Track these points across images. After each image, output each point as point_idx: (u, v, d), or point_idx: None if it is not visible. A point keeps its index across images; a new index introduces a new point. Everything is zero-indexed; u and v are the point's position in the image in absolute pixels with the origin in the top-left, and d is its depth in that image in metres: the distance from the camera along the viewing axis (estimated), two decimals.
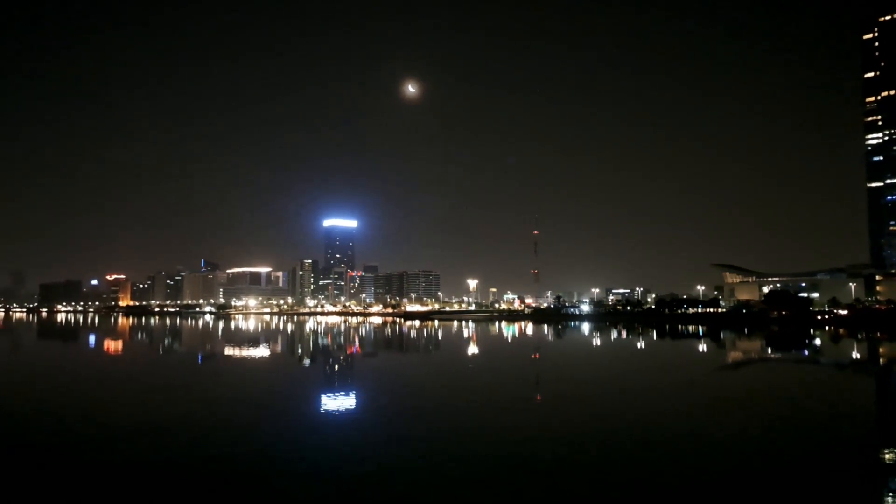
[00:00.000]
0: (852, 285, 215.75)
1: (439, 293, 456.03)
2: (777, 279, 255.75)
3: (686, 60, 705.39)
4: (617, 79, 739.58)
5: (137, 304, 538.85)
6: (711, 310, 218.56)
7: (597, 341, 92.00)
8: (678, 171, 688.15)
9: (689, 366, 56.25)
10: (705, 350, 75.99)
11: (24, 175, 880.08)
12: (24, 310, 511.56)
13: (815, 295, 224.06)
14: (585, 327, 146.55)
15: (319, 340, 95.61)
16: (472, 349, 76.28)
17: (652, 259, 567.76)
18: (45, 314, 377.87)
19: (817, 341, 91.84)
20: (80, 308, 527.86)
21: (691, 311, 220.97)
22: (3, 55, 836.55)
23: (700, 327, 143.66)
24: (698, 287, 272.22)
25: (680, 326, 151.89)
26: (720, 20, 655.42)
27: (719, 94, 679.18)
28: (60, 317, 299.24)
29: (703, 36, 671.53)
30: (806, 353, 73.13)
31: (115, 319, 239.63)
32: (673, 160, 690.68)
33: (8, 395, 33.45)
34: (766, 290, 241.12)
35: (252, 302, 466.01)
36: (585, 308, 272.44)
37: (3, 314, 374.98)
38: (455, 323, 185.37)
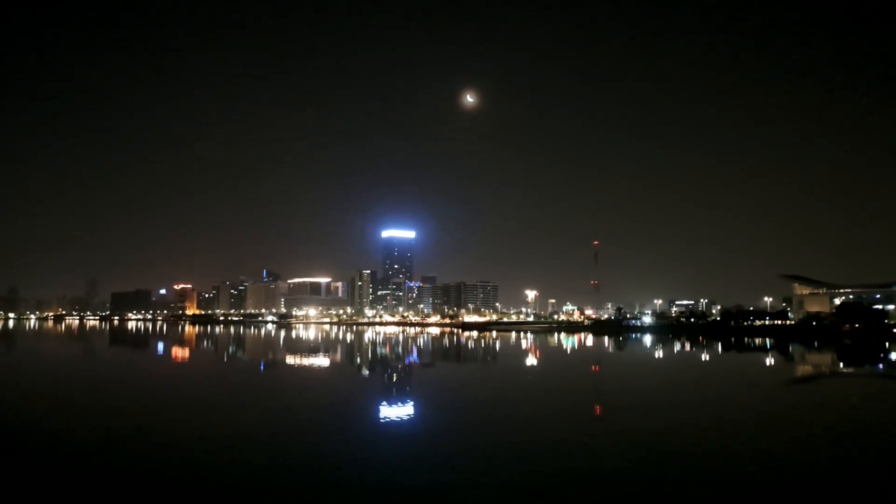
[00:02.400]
0: None
1: (497, 304, 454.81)
2: (849, 290, 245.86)
3: (746, 76, 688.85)
4: (686, 88, 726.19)
5: (203, 312, 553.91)
6: (779, 322, 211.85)
7: (659, 354, 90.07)
8: (743, 180, 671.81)
9: (754, 379, 54.45)
10: (773, 363, 73.53)
11: (98, 191, 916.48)
12: (97, 317, 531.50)
13: (892, 307, 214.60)
14: (647, 339, 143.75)
15: (378, 350, 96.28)
16: (531, 360, 75.62)
17: (717, 270, 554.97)
18: (116, 322, 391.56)
19: (893, 356, 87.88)
20: (148, 316, 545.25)
21: (758, 323, 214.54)
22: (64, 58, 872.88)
23: (767, 340, 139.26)
24: (766, 299, 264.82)
25: (746, 339, 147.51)
26: (783, 39, 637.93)
27: (783, 99, 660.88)
28: (131, 324, 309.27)
29: (769, 51, 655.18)
30: (881, 367, 70.01)
31: (183, 328, 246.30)
32: (738, 167, 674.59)
33: (89, 399, 34.49)
34: (837, 301, 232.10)
35: (312, 312, 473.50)
36: (647, 320, 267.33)
37: (77, 321, 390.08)
38: (513, 334, 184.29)
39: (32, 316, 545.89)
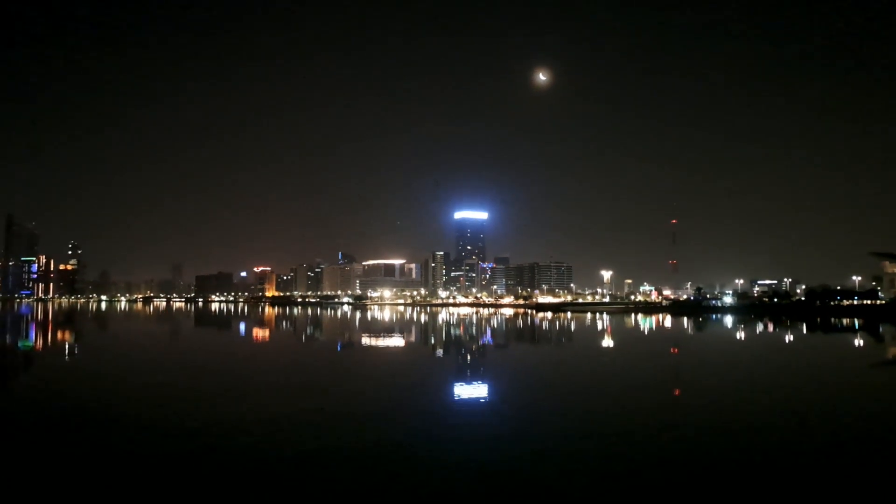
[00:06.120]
0: None
1: (572, 285, 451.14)
2: None
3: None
4: (757, 56, 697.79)
5: (281, 294, 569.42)
6: (869, 302, 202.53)
7: (741, 335, 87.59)
8: (829, 153, 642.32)
9: (840, 360, 52.36)
10: (861, 345, 70.46)
11: (180, 179, 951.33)
12: (183, 299, 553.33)
13: None
14: (728, 320, 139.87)
15: (452, 331, 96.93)
16: (607, 341, 74.74)
17: (801, 248, 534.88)
18: (200, 304, 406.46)
19: None
20: (230, 298, 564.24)
21: (846, 303, 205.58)
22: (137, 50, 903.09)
23: (856, 321, 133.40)
24: (854, 278, 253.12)
25: (833, 319, 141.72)
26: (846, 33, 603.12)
27: (868, 72, 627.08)
28: (214, 306, 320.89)
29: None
30: None
31: (263, 309, 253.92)
32: (823, 140, 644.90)
33: (183, 378, 36.14)
34: None
35: (387, 293, 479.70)
36: (728, 300, 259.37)
37: (165, 303, 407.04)
38: (588, 315, 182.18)
39: (123, 298, 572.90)
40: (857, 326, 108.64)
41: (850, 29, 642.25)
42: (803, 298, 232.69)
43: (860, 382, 36.80)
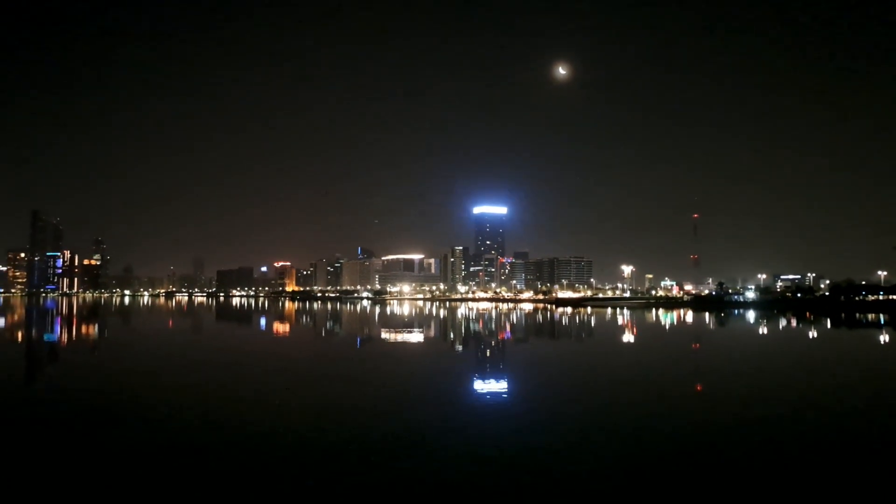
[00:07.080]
0: None
1: (592, 280, 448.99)
2: None
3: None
4: (776, 56, 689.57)
5: (301, 289, 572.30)
6: (895, 297, 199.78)
7: (763, 330, 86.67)
8: (853, 148, 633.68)
9: (867, 357, 51.56)
10: (888, 340, 69.35)
11: (203, 176, 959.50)
12: (204, 294, 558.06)
13: None
14: (751, 316, 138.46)
15: (471, 326, 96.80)
16: (627, 337, 74.27)
17: (825, 242, 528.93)
18: (222, 298, 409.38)
19: None
20: (251, 293, 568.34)
21: (871, 298, 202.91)
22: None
23: (881, 316, 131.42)
24: (879, 272, 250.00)
25: (858, 315, 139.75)
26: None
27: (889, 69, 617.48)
28: (235, 301, 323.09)
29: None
30: None
31: (283, 304, 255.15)
32: (846, 135, 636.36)
33: (205, 374, 36.40)
34: None
35: (406, 288, 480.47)
36: (750, 295, 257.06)
37: (186, 298, 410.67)
38: (608, 310, 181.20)
39: (146, 293, 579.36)
40: (882, 322, 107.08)
41: (868, 27, 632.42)
42: (827, 294, 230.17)
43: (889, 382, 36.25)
